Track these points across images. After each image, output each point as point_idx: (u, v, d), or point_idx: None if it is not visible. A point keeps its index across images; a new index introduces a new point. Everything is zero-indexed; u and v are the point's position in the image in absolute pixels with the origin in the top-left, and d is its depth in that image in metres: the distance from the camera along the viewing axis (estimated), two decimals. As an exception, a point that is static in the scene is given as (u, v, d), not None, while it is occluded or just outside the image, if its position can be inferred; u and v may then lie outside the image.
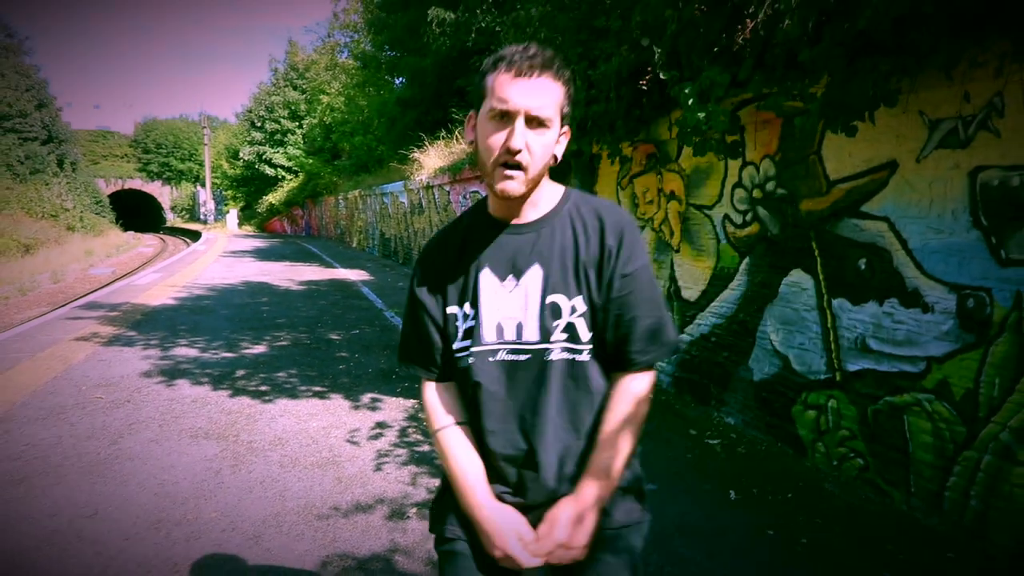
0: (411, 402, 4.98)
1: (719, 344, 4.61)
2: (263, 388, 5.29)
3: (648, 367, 1.30)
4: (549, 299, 1.26)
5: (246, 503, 3.28)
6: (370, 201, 20.47)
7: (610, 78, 4.52)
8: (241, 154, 36.85)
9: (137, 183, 57.38)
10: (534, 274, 1.27)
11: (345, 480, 3.57)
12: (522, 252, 1.28)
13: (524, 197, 1.25)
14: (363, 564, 2.74)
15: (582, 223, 1.29)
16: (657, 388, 5.34)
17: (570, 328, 1.26)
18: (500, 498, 1.30)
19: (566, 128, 1.26)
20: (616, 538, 1.31)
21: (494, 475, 1.32)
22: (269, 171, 35.53)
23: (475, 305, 1.30)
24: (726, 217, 4.46)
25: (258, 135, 35.53)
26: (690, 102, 3.33)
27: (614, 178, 5.79)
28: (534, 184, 1.23)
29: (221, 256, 19.11)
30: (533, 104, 1.16)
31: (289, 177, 34.91)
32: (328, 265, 16.74)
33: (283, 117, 34.62)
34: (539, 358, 1.27)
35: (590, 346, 1.28)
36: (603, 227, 1.28)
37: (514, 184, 1.19)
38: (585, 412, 1.29)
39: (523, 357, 1.27)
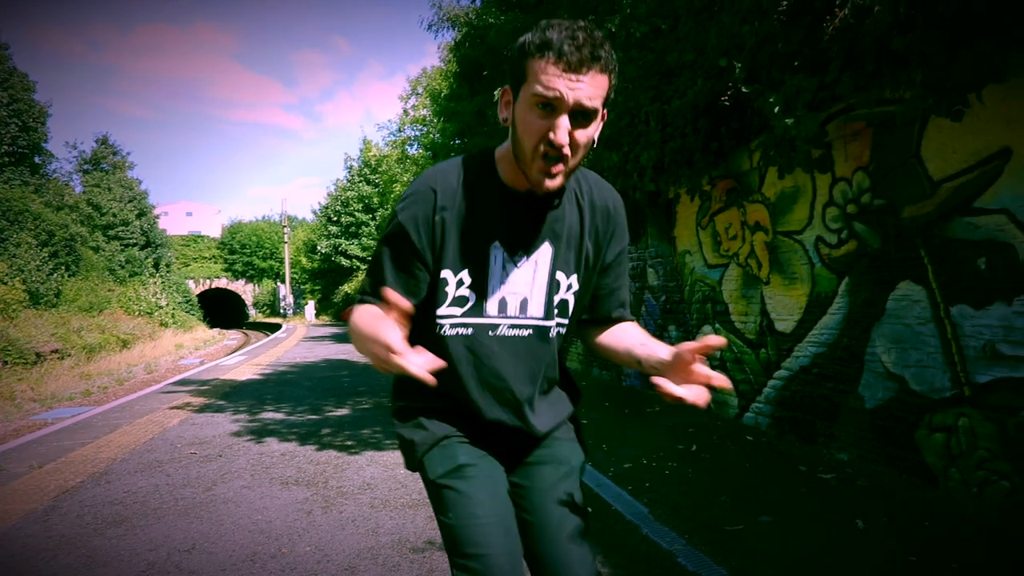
0: (498, 451, 4.83)
1: (822, 375, 4.32)
2: (349, 443, 5.27)
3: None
4: (556, 276, 1.29)
5: (339, 539, 3.19)
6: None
7: (686, 112, 4.51)
8: (318, 247, 38.69)
9: (223, 282, 60.69)
10: (544, 251, 1.28)
11: (437, 518, 3.43)
12: (535, 229, 1.27)
13: None
14: (464, 592, 2.57)
15: (588, 200, 1.31)
16: (756, 430, 5.01)
17: (563, 304, 1.31)
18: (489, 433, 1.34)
19: (604, 111, 1.16)
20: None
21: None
22: (345, 262, 37.08)
23: (481, 277, 1.26)
24: (819, 239, 4.27)
25: (334, 228, 37.34)
26: (776, 110, 3.26)
27: (693, 218, 5.70)
28: (571, 174, 1.18)
29: (301, 341, 19.71)
30: (582, 96, 1.07)
31: (363, 267, 36.26)
32: (403, 344, 16.95)
33: (357, 210, 36.38)
34: (540, 332, 1.30)
35: (567, 321, 1.34)
36: (605, 204, 1.33)
37: (555, 180, 1.15)
38: (551, 372, 1.36)
39: (525, 332, 1.29)
